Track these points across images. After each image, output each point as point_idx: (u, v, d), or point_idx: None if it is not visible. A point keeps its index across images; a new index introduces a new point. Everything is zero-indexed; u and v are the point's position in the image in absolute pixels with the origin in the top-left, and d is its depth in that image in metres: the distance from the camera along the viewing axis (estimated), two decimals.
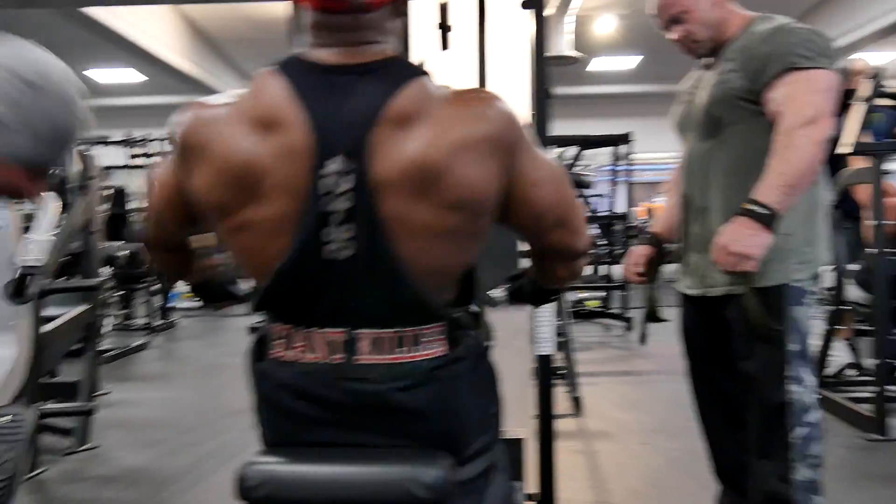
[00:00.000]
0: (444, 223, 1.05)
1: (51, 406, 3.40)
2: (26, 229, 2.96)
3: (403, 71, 1.07)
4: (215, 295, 1.47)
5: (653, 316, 2.22)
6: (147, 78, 10.94)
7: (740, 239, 1.64)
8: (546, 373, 2.29)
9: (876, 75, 3.43)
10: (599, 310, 8.05)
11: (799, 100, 1.69)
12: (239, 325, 8.00)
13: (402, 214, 1.03)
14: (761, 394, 1.79)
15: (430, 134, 1.03)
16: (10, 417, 1.72)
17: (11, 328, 2.79)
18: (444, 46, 2.05)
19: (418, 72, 1.08)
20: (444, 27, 2.03)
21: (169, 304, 8.20)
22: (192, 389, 4.96)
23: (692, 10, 1.89)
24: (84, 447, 3.44)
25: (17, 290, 2.49)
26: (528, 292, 1.46)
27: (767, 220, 1.63)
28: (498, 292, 1.50)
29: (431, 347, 1.12)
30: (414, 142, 1.02)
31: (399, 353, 1.10)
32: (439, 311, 1.12)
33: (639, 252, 2.12)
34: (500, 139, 1.06)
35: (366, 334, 1.09)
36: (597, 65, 11.16)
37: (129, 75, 10.80)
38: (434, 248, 1.07)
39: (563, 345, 4.69)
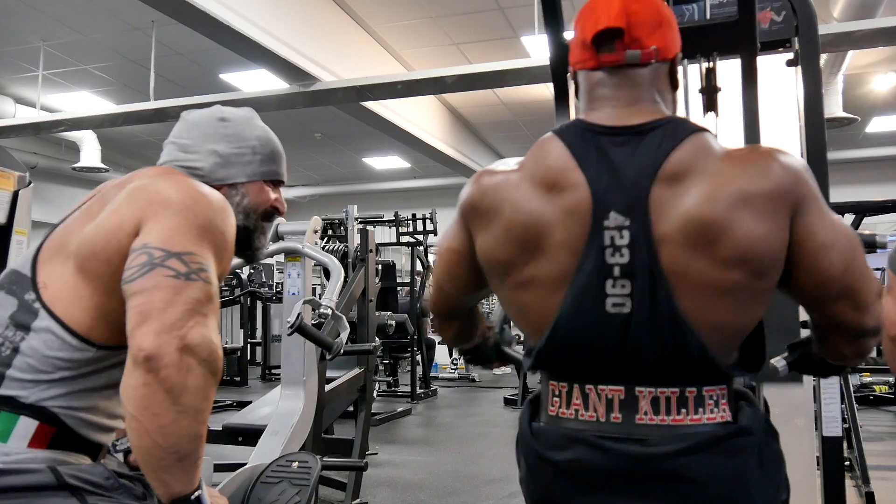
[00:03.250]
0: (725, 279, 1.01)
1: (328, 459, 3.68)
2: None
3: (682, 129, 1.07)
4: (488, 357, 1.50)
5: None
6: (410, 165, 11.87)
7: None
8: (834, 460, 2.05)
9: None
10: (890, 395, 7.09)
11: None
12: (494, 397, 8.17)
13: (682, 269, 1.01)
14: None
15: (709, 188, 1.01)
16: (298, 464, 1.89)
17: (302, 384, 3.10)
18: (709, 109, 1.99)
19: (698, 128, 1.07)
20: (710, 90, 1.98)
21: (431, 374, 8.61)
22: (451, 455, 5.11)
23: None
24: (356, 502, 3.67)
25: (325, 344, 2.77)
26: (811, 363, 1.30)
27: None
28: (778, 360, 1.36)
29: (714, 412, 1.06)
30: (693, 197, 1.01)
31: (680, 415, 1.05)
32: (722, 369, 1.05)
33: None
34: (783, 195, 1.02)
35: (645, 392, 1.06)
36: (876, 126, 10.16)
37: (396, 162, 11.78)
38: (715, 305, 1.02)
39: (850, 432, 4.20)
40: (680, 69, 1.24)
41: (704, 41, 1.83)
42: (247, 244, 1.42)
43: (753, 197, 1.01)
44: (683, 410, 1.05)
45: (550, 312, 1.07)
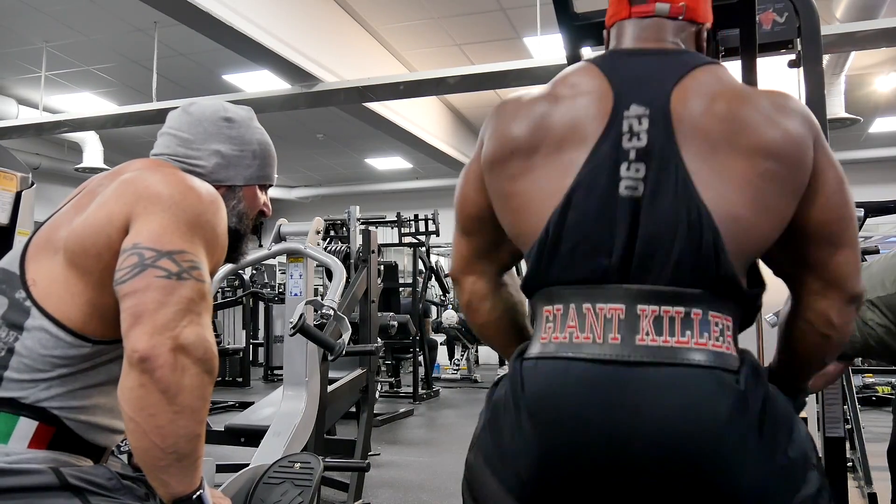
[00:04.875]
0: (751, 168, 0.98)
1: (330, 460, 3.68)
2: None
3: (705, 57, 1.12)
4: None
5: None
6: (412, 165, 11.87)
7: None
8: (837, 461, 2.05)
9: None
10: (893, 396, 7.08)
11: None
12: None
13: (703, 156, 1.00)
14: None
15: (737, 93, 1.04)
16: (300, 465, 1.89)
17: (305, 385, 3.10)
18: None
19: (718, 63, 1.12)
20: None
21: (433, 374, 8.60)
22: (453, 456, 5.10)
23: None
24: (358, 502, 3.67)
25: (326, 345, 2.77)
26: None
27: None
28: (770, 317, 1.30)
29: (720, 340, 0.98)
30: (720, 94, 1.03)
31: (685, 337, 0.97)
32: (732, 279, 0.98)
33: None
34: (808, 119, 1.05)
35: (648, 311, 0.98)
36: (879, 126, 10.14)
37: (398, 162, 11.78)
38: (735, 196, 0.98)
39: (852, 433, 4.20)
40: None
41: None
42: (235, 247, 1.41)
43: (781, 107, 1.03)
44: (688, 332, 0.97)
45: (558, 196, 1.02)
